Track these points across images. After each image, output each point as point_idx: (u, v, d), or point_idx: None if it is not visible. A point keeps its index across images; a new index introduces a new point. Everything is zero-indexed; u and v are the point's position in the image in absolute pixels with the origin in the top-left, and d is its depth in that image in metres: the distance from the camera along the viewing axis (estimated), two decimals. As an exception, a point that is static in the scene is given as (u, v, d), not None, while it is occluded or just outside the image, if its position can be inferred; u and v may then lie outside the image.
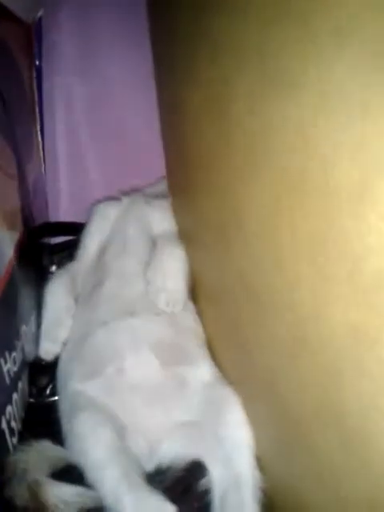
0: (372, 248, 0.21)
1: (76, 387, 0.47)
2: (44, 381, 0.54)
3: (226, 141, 0.37)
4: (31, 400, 0.51)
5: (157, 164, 0.70)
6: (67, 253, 0.69)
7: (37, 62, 0.65)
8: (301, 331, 0.30)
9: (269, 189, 0.32)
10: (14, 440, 0.41)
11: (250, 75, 0.30)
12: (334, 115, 0.21)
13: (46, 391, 0.53)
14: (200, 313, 0.56)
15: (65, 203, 0.74)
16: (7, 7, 0.51)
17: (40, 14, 0.62)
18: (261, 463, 0.41)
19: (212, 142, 0.41)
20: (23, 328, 0.47)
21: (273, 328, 0.35)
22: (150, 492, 0.40)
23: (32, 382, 0.51)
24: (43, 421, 0.49)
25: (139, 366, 0.48)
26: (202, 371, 0.49)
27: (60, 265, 0.69)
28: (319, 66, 0.22)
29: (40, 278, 0.58)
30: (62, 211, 0.74)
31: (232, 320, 0.45)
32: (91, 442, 0.42)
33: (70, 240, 0.72)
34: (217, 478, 0.42)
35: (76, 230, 0.68)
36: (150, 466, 0.44)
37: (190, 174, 0.52)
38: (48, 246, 0.71)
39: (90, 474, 0.41)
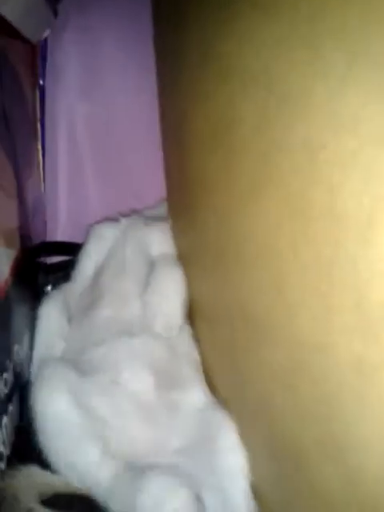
0: (381, 275, 0.21)
1: None
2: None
3: (230, 163, 0.37)
4: (20, 423, 0.49)
5: (157, 187, 0.70)
6: (63, 273, 0.68)
7: (41, 82, 0.65)
8: (300, 360, 0.30)
9: (270, 212, 0.31)
10: (2, 465, 0.40)
11: (257, 95, 0.30)
12: (344, 138, 0.21)
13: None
14: (196, 335, 0.55)
15: (63, 223, 0.74)
16: (14, 26, 0.51)
17: (46, 33, 0.62)
18: (258, 494, 0.40)
19: (215, 163, 0.41)
20: (16, 347, 0.46)
21: (270, 355, 0.34)
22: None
23: (22, 404, 0.50)
24: (31, 444, 0.48)
25: (134, 381, 0.47)
26: (195, 397, 0.48)
27: (55, 285, 0.68)
28: (329, 85, 0.22)
29: (35, 298, 0.57)
30: (60, 231, 0.74)
31: (227, 344, 0.44)
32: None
33: (66, 260, 0.71)
34: (210, 507, 0.40)
35: (73, 250, 0.68)
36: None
37: (190, 196, 0.52)
38: (44, 265, 0.70)
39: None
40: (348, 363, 0.25)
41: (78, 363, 0.49)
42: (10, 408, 0.43)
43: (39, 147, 0.67)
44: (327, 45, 0.22)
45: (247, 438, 0.42)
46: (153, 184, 0.71)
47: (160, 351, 0.50)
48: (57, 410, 0.44)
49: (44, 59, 0.64)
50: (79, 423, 0.43)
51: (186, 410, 0.47)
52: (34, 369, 0.52)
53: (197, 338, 0.55)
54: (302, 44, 0.24)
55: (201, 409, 0.47)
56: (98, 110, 0.70)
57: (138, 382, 0.47)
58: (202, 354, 0.53)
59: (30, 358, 0.52)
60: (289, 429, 0.33)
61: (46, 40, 0.64)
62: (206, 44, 0.41)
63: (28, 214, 0.57)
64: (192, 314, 0.56)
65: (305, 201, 0.26)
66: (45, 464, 0.43)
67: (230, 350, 0.43)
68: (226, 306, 0.44)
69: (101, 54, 0.69)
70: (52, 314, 0.56)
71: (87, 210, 0.73)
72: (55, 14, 0.61)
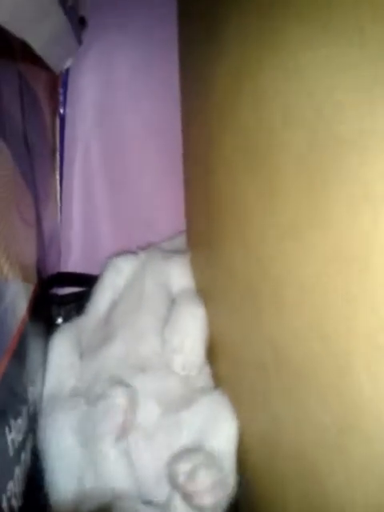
0: None
1: None
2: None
3: (266, 196, 0.35)
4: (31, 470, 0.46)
5: (169, 217, 0.69)
6: (75, 305, 0.66)
7: (61, 111, 0.64)
8: (353, 420, 0.27)
9: (318, 254, 0.29)
10: (13, 519, 0.37)
11: (304, 127, 0.28)
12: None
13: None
14: (217, 374, 0.52)
15: (76, 253, 0.72)
16: (39, 55, 0.50)
17: (69, 63, 0.61)
18: None
19: (247, 196, 0.39)
20: (30, 390, 0.44)
21: (314, 412, 0.31)
22: None
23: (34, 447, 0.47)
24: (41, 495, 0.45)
25: (140, 412, 0.45)
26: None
27: (67, 317, 0.66)
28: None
29: (48, 331, 0.55)
30: (72, 261, 0.72)
31: (259, 390, 0.41)
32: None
33: (78, 292, 0.69)
34: None
35: (86, 281, 0.66)
36: None
37: (216, 229, 0.50)
38: (56, 296, 0.68)
39: None
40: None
41: (88, 395, 0.47)
42: (23, 456, 0.40)
43: (57, 177, 0.66)
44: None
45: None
46: (165, 214, 0.70)
47: (174, 385, 0.48)
48: (62, 447, 0.44)
49: (65, 87, 0.63)
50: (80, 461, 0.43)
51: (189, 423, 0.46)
52: (43, 405, 0.49)
53: (217, 377, 0.52)
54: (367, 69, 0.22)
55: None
56: (112, 140, 0.69)
57: (144, 413, 0.45)
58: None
59: (41, 395, 0.49)
60: (335, 495, 0.30)
61: (67, 69, 0.63)
62: (241, 70, 0.39)
63: (45, 246, 0.55)
64: (213, 351, 0.53)
65: (364, 245, 0.24)
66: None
67: (263, 397, 0.40)
68: (257, 348, 0.41)
69: (118, 84, 0.68)
70: (63, 349, 0.54)
71: (100, 242, 0.72)
72: (80, 42, 0.60)
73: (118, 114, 0.68)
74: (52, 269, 0.63)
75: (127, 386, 0.45)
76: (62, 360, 0.52)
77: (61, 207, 0.68)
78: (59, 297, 0.69)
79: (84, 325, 0.58)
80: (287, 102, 0.31)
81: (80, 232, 0.71)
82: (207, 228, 0.54)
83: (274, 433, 0.39)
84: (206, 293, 0.56)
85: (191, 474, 0.39)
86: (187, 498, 0.39)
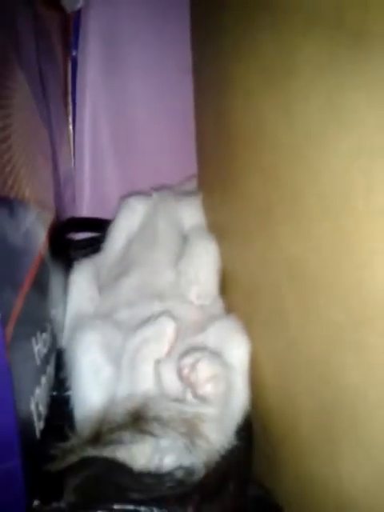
0: None
1: None
2: (65, 373, 0.52)
3: (287, 111, 0.35)
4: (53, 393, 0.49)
5: (177, 168, 0.69)
6: (91, 249, 0.68)
7: (73, 53, 0.65)
8: (369, 317, 0.28)
9: (339, 157, 0.30)
10: (41, 425, 0.39)
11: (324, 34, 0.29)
12: None
13: (66, 384, 0.52)
14: (229, 307, 0.54)
15: (87, 199, 0.73)
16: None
17: (81, 4, 0.61)
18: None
19: (267, 118, 0.40)
20: (53, 312, 0.46)
21: (327, 313, 0.33)
22: None
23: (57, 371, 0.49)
24: (63, 414, 0.47)
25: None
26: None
27: (84, 257, 0.67)
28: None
29: (66, 270, 0.57)
30: (84, 207, 0.73)
31: (272, 309, 0.43)
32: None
33: (94, 236, 0.71)
34: None
35: (101, 226, 0.67)
36: None
37: (231, 160, 0.51)
38: (72, 241, 0.70)
39: None
40: None
41: (109, 320, 0.49)
42: (48, 369, 0.43)
43: (70, 120, 0.67)
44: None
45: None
46: (172, 162, 0.70)
47: (189, 314, 0.50)
48: (92, 362, 0.44)
49: (77, 29, 0.64)
50: (110, 376, 0.44)
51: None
52: (66, 333, 0.51)
53: (230, 309, 0.54)
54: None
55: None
56: (120, 89, 0.69)
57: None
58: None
59: (63, 325, 0.51)
60: (346, 388, 0.32)
61: (79, 11, 0.63)
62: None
63: (60, 184, 0.57)
64: (224, 286, 0.55)
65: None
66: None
67: (277, 315, 0.42)
68: (272, 270, 0.42)
69: (124, 29, 0.67)
70: (82, 281, 0.56)
71: (110, 187, 0.72)
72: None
73: (124, 57, 0.68)
74: (68, 210, 0.64)
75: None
76: (82, 291, 0.55)
77: (74, 152, 0.69)
78: (75, 242, 0.71)
79: (101, 262, 0.60)
80: (307, 18, 0.32)
81: (90, 176, 0.72)
82: (220, 166, 0.55)
83: (287, 348, 0.41)
84: (217, 230, 0.58)
85: (193, 366, 0.41)
86: (191, 388, 0.41)
